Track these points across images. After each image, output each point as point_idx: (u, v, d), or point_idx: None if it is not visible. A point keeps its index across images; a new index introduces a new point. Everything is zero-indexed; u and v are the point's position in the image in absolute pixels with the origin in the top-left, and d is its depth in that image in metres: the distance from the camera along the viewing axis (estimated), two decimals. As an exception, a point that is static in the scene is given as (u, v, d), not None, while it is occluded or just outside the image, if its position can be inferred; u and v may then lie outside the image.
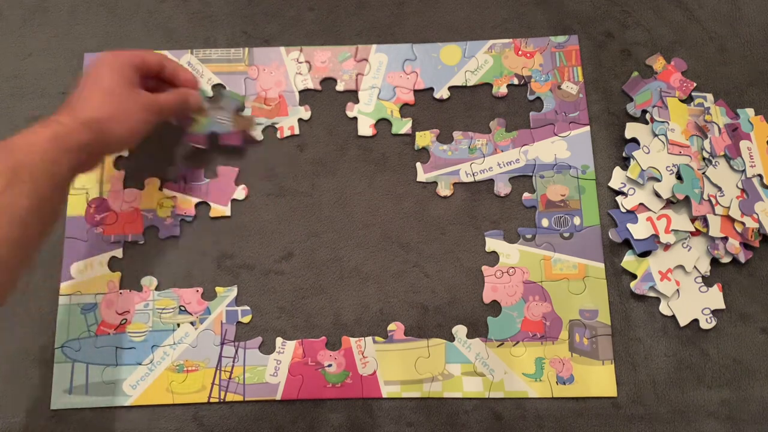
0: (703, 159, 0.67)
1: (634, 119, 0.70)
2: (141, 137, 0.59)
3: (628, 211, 0.66)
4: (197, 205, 0.68)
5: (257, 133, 0.70)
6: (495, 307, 0.65)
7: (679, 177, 0.66)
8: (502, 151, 0.69)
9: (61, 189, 0.53)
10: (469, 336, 0.64)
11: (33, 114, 0.71)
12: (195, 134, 0.68)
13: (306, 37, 0.74)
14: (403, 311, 0.65)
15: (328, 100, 0.72)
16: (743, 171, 0.66)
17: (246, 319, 0.65)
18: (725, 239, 0.65)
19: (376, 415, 0.63)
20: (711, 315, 0.64)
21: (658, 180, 0.66)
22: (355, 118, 0.71)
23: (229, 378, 0.63)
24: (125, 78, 0.58)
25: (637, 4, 0.74)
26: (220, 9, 0.75)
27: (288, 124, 0.71)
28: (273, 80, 0.72)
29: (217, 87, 0.72)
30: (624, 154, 0.69)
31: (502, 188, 0.68)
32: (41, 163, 0.50)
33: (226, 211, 0.68)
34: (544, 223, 0.67)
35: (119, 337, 0.65)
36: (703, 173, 0.66)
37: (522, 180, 0.69)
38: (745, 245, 0.65)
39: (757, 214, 0.65)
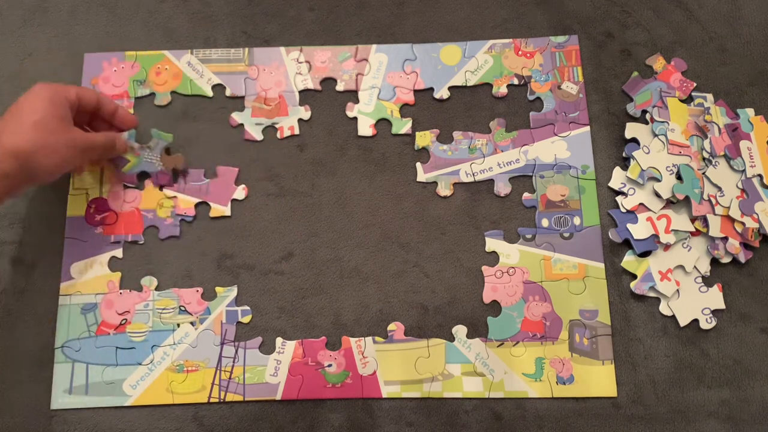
0: (703, 159, 0.67)
1: (634, 119, 0.70)
2: (65, 171, 0.61)
3: (628, 211, 0.67)
4: (197, 205, 0.68)
5: (257, 134, 0.70)
6: (495, 307, 0.65)
7: (679, 177, 0.66)
8: (502, 151, 0.69)
9: None
10: (469, 336, 0.64)
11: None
12: (127, 173, 0.68)
13: (306, 37, 0.74)
14: (403, 311, 0.65)
15: (328, 100, 0.72)
16: (743, 171, 0.66)
17: (246, 319, 0.65)
18: (725, 239, 0.65)
19: (376, 415, 0.63)
20: (711, 315, 0.64)
21: (658, 180, 0.66)
22: (355, 118, 0.71)
23: (229, 378, 0.63)
24: (58, 113, 0.59)
25: (637, 4, 0.74)
26: (220, 9, 0.75)
27: (288, 124, 0.71)
28: (273, 80, 0.72)
29: (147, 133, 0.71)
30: (624, 154, 0.69)
31: (502, 188, 0.68)
32: None
33: (226, 211, 0.68)
34: (544, 223, 0.67)
35: (119, 337, 0.65)
36: (703, 173, 0.66)
37: (522, 180, 0.69)
38: (745, 245, 0.65)
39: (757, 214, 0.65)
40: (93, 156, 0.63)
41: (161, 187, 0.69)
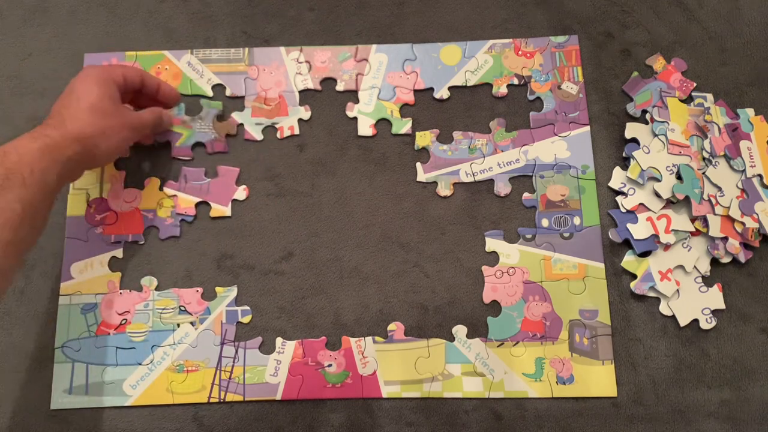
0: (703, 159, 0.67)
1: (634, 119, 0.70)
2: (120, 153, 0.63)
3: (628, 211, 0.67)
4: (197, 205, 0.68)
5: (257, 134, 0.70)
6: (495, 307, 0.65)
7: (679, 177, 0.66)
8: (502, 151, 0.69)
9: (49, 197, 0.55)
10: (469, 336, 0.64)
11: (33, 114, 0.71)
12: (180, 147, 0.69)
13: (306, 37, 0.74)
14: (403, 311, 0.65)
15: (328, 100, 0.72)
16: (743, 171, 0.66)
17: (246, 319, 0.65)
18: (725, 239, 0.65)
19: (376, 415, 0.63)
20: (711, 315, 0.64)
21: (658, 180, 0.66)
22: (355, 118, 0.71)
23: (229, 378, 0.63)
24: (111, 95, 0.60)
25: (637, 4, 0.74)
26: (220, 9, 0.75)
27: (288, 124, 0.71)
28: (273, 80, 0.72)
29: (195, 98, 0.72)
30: (624, 154, 0.69)
31: (502, 188, 0.68)
32: (32, 172, 0.52)
33: (227, 211, 0.68)
34: (544, 223, 0.67)
35: (119, 337, 0.65)
36: (703, 173, 0.66)
37: (522, 180, 0.69)
38: (745, 245, 0.65)
39: (757, 214, 0.65)
40: (144, 134, 0.65)
41: (162, 186, 0.69)
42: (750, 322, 0.65)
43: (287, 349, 0.64)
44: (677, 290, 0.65)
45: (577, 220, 0.67)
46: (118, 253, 0.67)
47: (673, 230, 0.65)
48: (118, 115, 0.60)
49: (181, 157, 0.70)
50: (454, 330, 0.65)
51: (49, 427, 0.63)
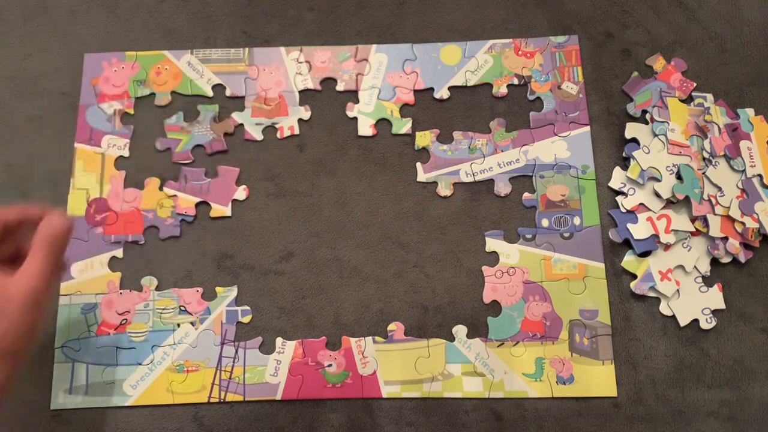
0: (703, 159, 0.67)
1: (634, 119, 0.70)
2: (40, 326, 0.51)
3: (628, 211, 0.67)
4: (197, 205, 0.68)
5: (257, 134, 0.70)
6: (495, 307, 0.65)
7: (679, 177, 0.66)
8: (502, 151, 0.69)
9: None
10: (469, 336, 0.64)
11: (33, 114, 0.71)
12: (180, 152, 0.69)
13: (306, 37, 0.74)
14: (403, 311, 0.65)
15: (328, 100, 0.72)
16: (743, 171, 0.66)
17: (246, 319, 0.65)
18: (725, 239, 0.65)
19: (376, 415, 0.63)
20: (711, 315, 0.64)
21: (658, 180, 0.66)
22: (355, 118, 0.71)
23: (229, 378, 0.63)
24: None
25: (637, 4, 0.74)
26: (220, 9, 0.75)
27: (288, 124, 0.71)
28: (273, 80, 0.72)
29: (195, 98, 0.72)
30: (624, 154, 0.69)
31: (502, 188, 0.68)
32: None
33: (227, 211, 0.68)
34: (544, 223, 0.67)
35: (119, 337, 0.65)
36: (703, 173, 0.66)
37: (522, 180, 0.69)
38: (745, 245, 0.65)
39: (757, 214, 0.65)
40: (51, 282, 0.50)
41: (162, 186, 0.69)
42: (750, 322, 0.65)
43: (287, 349, 0.64)
44: (677, 290, 0.65)
45: (577, 220, 0.67)
46: (118, 253, 0.67)
47: (673, 230, 0.65)
48: (4, 302, 0.47)
49: (181, 162, 0.70)
50: (454, 330, 0.65)
51: (49, 427, 0.63)
